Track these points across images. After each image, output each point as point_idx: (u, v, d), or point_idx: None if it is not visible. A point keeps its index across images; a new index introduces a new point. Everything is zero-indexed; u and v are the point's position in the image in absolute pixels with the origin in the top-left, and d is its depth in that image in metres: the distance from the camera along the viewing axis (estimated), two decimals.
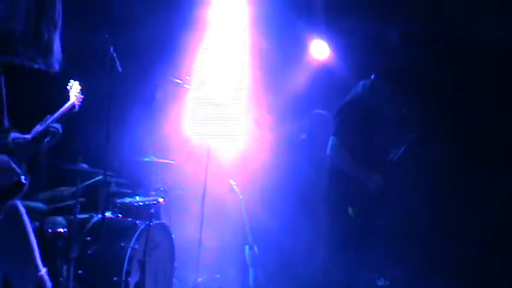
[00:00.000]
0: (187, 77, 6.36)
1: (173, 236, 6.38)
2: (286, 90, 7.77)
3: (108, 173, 5.86)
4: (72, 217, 5.97)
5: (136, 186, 6.88)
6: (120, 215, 6.33)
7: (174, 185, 7.03)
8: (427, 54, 5.90)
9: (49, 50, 3.45)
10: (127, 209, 6.39)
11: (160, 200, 6.58)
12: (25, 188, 3.80)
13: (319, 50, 7.83)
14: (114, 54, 5.12)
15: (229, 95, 7.40)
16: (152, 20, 7.26)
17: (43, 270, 3.95)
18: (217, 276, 7.19)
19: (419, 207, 7.18)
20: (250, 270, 6.86)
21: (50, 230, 6.09)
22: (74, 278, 5.68)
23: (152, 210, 6.14)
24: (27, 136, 3.95)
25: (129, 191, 6.69)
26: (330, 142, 5.74)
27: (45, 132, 4.02)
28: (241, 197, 7.09)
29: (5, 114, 3.83)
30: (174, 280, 6.52)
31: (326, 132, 6.23)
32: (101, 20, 6.40)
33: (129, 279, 5.75)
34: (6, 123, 3.85)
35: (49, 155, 6.62)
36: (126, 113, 6.71)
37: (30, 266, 3.89)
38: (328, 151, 5.74)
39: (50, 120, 4.11)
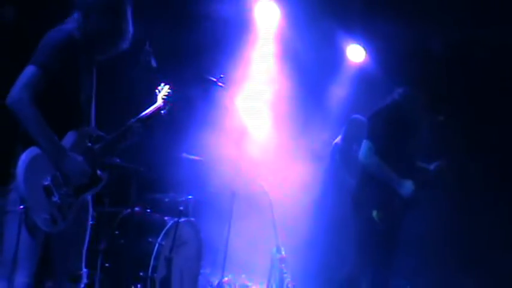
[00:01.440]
0: (222, 76, 6.36)
1: (201, 234, 6.38)
2: (323, 96, 7.77)
3: (140, 167, 5.88)
4: (101, 209, 6.02)
5: (168, 182, 6.89)
6: (149, 210, 6.35)
7: (205, 183, 7.03)
8: (467, 64, 5.80)
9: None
10: (156, 205, 6.40)
11: (190, 197, 6.58)
12: (101, 185, 3.92)
13: (356, 54, 7.78)
14: (150, 50, 5.12)
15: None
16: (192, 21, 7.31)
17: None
18: (243, 276, 7.17)
19: (449, 217, 7.10)
20: (276, 273, 6.82)
21: None
22: (101, 269, 5.71)
23: (181, 207, 6.15)
24: (109, 137, 3.97)
25: (160, 186, 6.71)
26: (362, 146, 5.69)
27: (127, 131, 4.05)
28: (271, 199, 7.05)
29: (92, 113, 3.97)
30: (200, 277, 6.52)
31: (363, 137, 6.17)
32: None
33: (155, 275, 5.77)
34: (91, 122, 3.96)
35: None
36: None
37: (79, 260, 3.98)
38: (360, 155, 5.69)
39: (133, 120, 4.15)
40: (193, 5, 7.27)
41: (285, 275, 6.79)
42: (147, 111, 4.29)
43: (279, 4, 7.77)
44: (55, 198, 3.56)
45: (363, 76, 7.82)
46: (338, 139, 7.42)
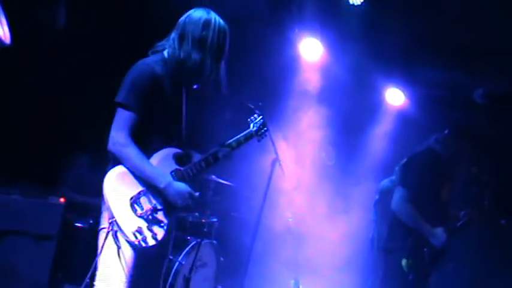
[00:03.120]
0: (260, 104, 6.39)
1: (221, 257, 6.36)
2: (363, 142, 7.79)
3: None
4: None
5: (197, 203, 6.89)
6: None
7: (230, 207, 7.03)
8: (508, 117, 5.75)
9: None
10: (180, 223, 6.40)
11: (215, 220, 6.58)
12: (195, 205, 3.98)
13: (395, 97, 7.78)
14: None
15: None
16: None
17: None
18: None
19: (473, 273, 7.00)
20: None
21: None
22: None
23: (205, 229, 6.15)
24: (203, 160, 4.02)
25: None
26: (395, 193, 5.63)
27: (218, 155, 4.09)
28: (297, 232, 7.00)
29: (183, 133, 4.05)
30: None
31: None
32: None
33: None
34: (185, 145, 4.05)
35: None
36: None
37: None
38: (393, 202, 5.63)
39: (227, 142, 4.19)
40: (243, 37, 7.36)
41: None
42: (238, 136, 4.29)
43: (322, 42, 7.82)
44: (141, 213, 3.65)
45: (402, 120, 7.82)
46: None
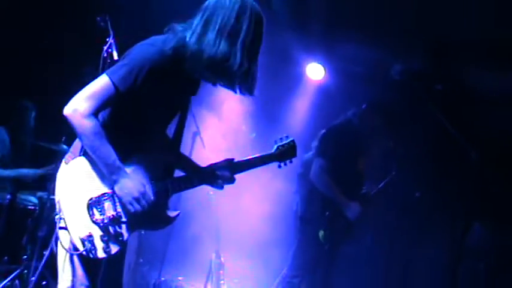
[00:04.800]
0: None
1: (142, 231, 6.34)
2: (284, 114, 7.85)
3: None
4: (44, 196, 5.93)
5: None
6: None
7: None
8: (424, 95, 5.92)
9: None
10: None
11: None
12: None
13: (315, 72, 7.85)
14: None
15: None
16: None
17: None
18: (180, 278, 7.14)
19: (391, 243, 7.21)
20: (214, 277, 6.83)
21: (20, 206, 6.05)
22: (38, 257, 5.60)
23: None
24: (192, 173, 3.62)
25: None
26: (314, 163, 5.73)
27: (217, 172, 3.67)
28: (213, 202, 7.02)
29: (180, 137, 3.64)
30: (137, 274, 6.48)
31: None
32: None
33: None
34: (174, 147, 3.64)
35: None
36: None
37: None
38: (311, 172, 5.73)
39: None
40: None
41: (222, 282, 6.80)
42: (257, 156, 3.79)
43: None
44: (98, 220, 3.13)
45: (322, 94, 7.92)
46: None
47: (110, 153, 3.11)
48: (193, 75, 3.35)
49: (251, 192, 7.25)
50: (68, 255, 3.20)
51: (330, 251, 5.68)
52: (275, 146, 3.85)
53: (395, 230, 7.25)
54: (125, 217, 3.19)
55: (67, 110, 3.06)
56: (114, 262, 3.27)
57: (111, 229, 3.13)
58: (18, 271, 5.61)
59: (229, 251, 7.08)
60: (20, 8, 6.87)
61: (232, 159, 3.73)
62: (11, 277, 5.54)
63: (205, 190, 6.62)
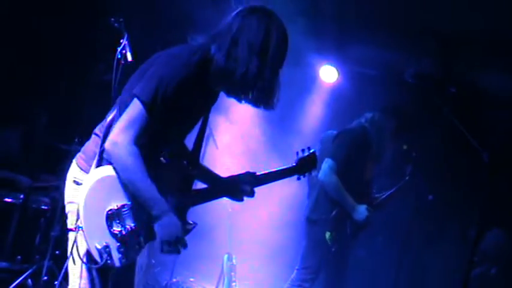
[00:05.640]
0: None
1: None
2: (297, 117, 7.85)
3: None
4: (56, 196, 5.96)
5: None
6: None
7: None
8: (438, 98, 5.89)
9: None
10: None
11: None
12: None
13: (329, 74, 7.84)
14: None
15: None
16: None
17: None
18: (192, 279, 7.16)
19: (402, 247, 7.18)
20: (226, 279, 6.83)
21: (33, 206, 6.08)
22: (51, 257, 5.63)
23: None
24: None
25: None
26: (324, 164, 5.71)
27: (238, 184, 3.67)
28: (230, 210, 7.04)
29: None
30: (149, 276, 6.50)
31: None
32: None
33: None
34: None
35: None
36: None
37: None
38: (321, 173, 5.71)
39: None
40: None
41: (234, 284, 6.80)
42: (278, 170, 3.78)
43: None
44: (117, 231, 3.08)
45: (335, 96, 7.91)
46: None
47: (150, 188, 3.05)
48: (216, 88, 3.33)
49: (264, 195, 7.24)
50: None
51: (337, 253, 5.66)
52: (296, 159, 3.85)
53: (407, 233, 7.21)
54: (142, 230, 3.15)
55: (107, 145, 3.03)
56: (127, 265, 3.22)
57: (128, 240, 3.09)
58: (30, 270, 5.64)
59: (241, 253, 7.09)
60: (33, 11, 6.90)
61: (254, 172, 3.70)
62: (23, 276, 5.57)
63: None
